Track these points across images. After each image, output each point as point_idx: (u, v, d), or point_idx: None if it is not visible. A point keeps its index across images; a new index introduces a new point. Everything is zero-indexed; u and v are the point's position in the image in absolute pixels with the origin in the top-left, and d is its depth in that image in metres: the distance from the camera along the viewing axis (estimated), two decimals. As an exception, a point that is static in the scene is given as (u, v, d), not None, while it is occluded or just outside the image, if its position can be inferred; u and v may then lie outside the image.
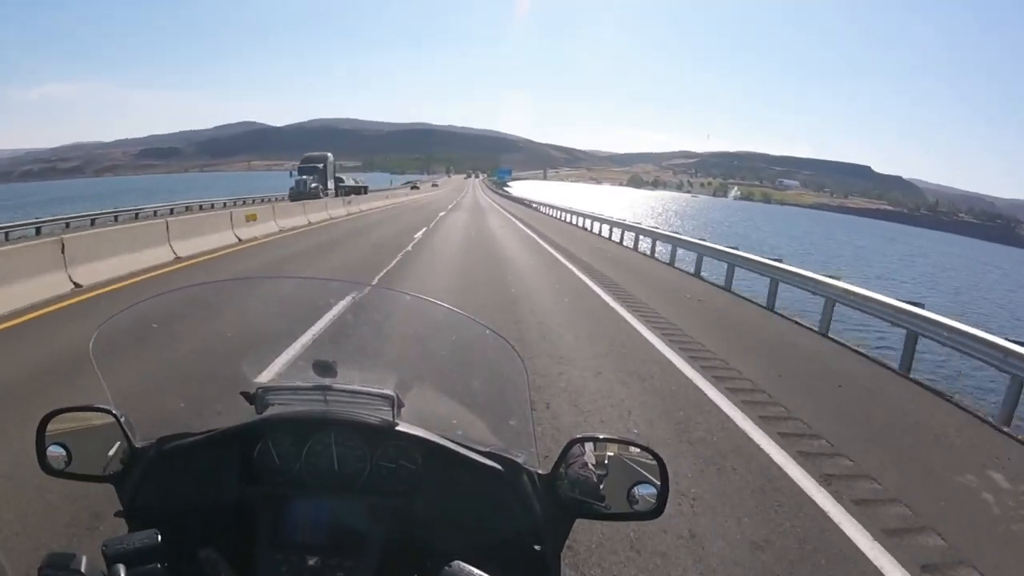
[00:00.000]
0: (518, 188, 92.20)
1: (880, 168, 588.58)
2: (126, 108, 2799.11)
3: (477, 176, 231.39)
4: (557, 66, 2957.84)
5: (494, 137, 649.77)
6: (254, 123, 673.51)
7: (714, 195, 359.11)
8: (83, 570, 0.81)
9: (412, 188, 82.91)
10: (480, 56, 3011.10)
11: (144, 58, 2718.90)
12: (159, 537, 0.94)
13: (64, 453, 1.16)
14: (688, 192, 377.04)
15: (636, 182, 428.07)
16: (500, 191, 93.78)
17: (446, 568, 0.87)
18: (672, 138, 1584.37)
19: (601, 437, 1.14)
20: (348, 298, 1.63)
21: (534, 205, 47.26)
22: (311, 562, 1.06)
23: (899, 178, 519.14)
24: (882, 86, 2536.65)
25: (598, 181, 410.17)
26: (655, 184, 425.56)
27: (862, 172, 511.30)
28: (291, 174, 35.29)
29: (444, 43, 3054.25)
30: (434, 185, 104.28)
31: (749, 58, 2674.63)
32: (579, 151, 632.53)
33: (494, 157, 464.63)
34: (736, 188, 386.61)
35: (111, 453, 1.18)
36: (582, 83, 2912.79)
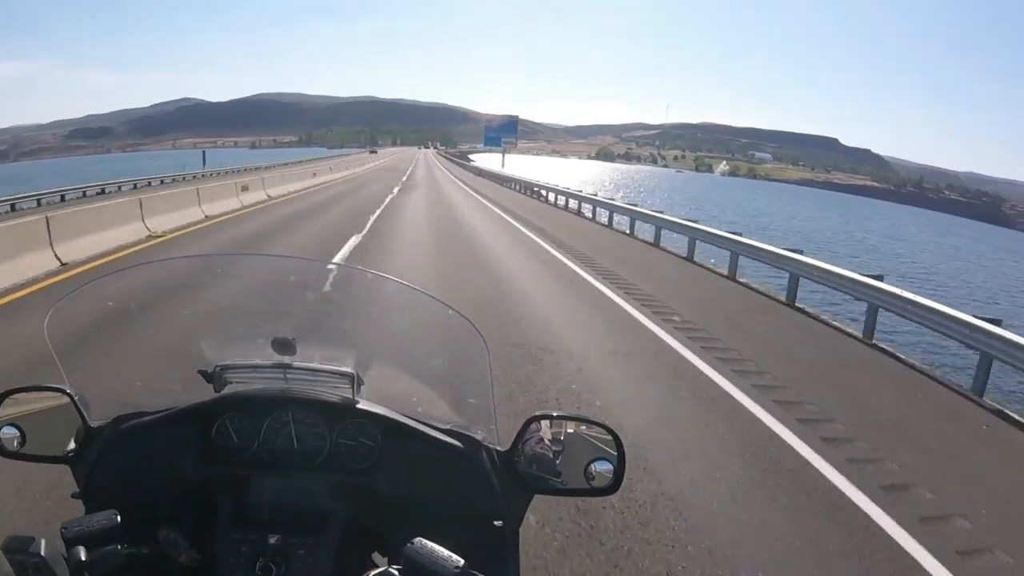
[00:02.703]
0: (482, 163, 65.29)
1: (847, 141, 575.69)
2: (64, 89, 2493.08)
3: (435, 147, 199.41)
4: (509, 38, 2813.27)
5: (444, 109, 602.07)
6: (191, 99, 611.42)
7: (697, 170, 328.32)
8: (42, 552, 0.78)
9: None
10: (429, 28, 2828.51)
11: (85, 37, 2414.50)
12: (118, 518, 0.92)
13: (18, 434, 1.11)
14: (665, 166, 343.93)
15: (607, 155, 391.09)
16: (463, 162, 60.72)
17: (408, 545, 0.85)
18: (630, 111, 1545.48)
19: (556, 415, 1.16)
20: (309, 275, 1.59)
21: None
22: (272, 540, 1.02)
23: (868, 151, 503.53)
24: (837, 56, 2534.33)
25: (563, 154, 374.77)
26: (627, 157, 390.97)
27: (830, 144, 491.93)
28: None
29: (392, 14, 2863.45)
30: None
31: (704, 30, 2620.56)
32: (535, 123, 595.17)
33: (446, 129, 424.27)
34: (724, 163, 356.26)
35: (66, 433, 1.13)
36: (535, 56, 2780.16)
